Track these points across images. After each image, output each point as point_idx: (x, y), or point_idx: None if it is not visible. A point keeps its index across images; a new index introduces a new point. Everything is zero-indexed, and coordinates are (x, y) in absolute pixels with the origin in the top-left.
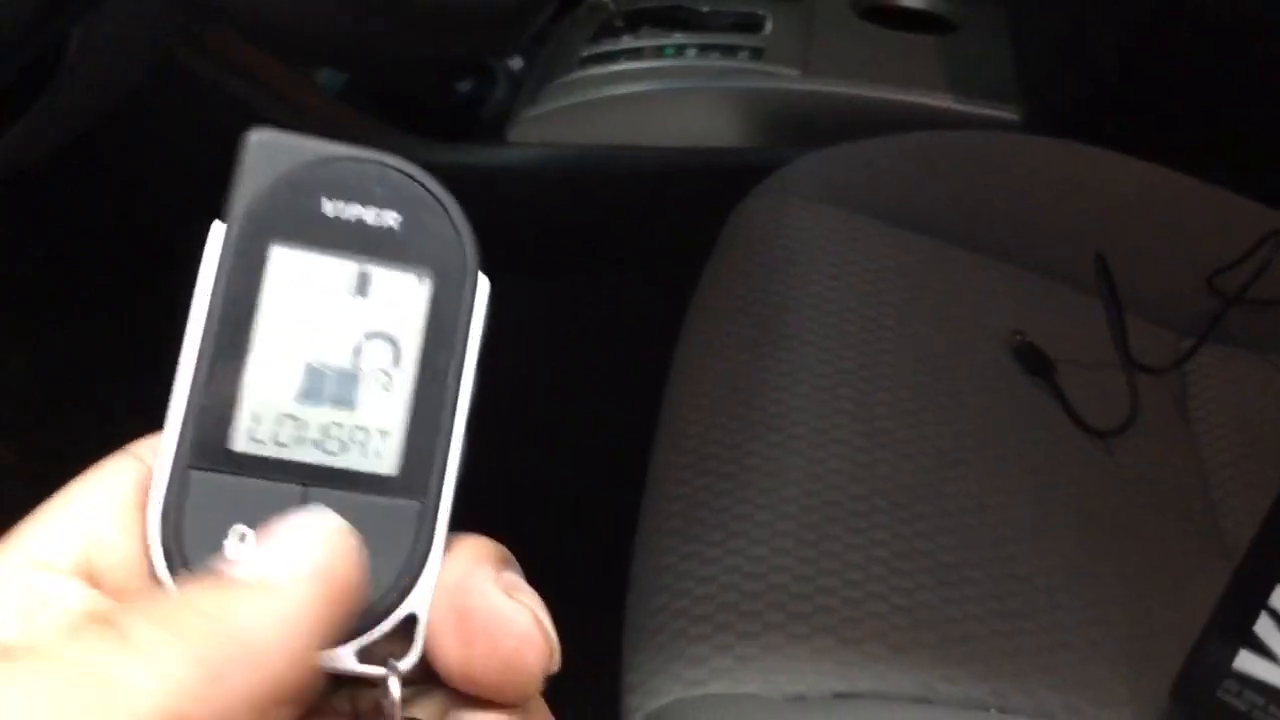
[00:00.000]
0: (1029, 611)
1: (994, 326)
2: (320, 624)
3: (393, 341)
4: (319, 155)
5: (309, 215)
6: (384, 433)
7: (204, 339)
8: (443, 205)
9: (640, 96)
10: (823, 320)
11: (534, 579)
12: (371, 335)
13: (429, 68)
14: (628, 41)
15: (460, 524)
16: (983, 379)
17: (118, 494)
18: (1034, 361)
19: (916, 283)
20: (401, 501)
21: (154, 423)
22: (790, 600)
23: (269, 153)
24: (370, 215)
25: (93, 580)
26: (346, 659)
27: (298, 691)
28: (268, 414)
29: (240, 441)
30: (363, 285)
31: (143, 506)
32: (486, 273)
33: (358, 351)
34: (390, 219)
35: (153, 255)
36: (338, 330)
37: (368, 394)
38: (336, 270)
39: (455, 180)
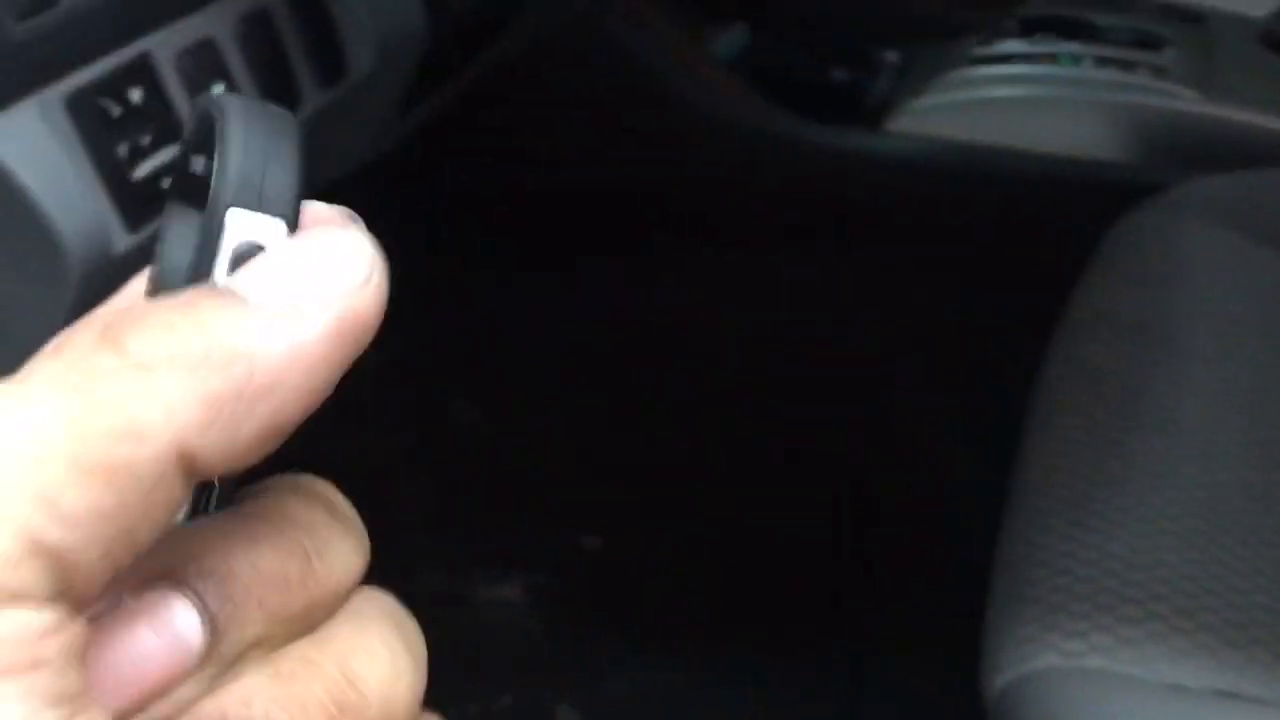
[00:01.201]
0: None
1: None
2: (335, 361)
3: None
4: None
5: None
6: None
7: None
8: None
9: (1029, 101)
10: (1215, 338)
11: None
12: None
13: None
14: (1021, 46)
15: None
16: None
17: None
18: None
19: None
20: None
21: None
22: (1173, 594)
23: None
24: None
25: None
26: None
27: (291, 428)
28: None
29: None
30: None
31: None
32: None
33: None
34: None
35: (563, 211)
36: None
37: None
38: None
39: (829, 163)
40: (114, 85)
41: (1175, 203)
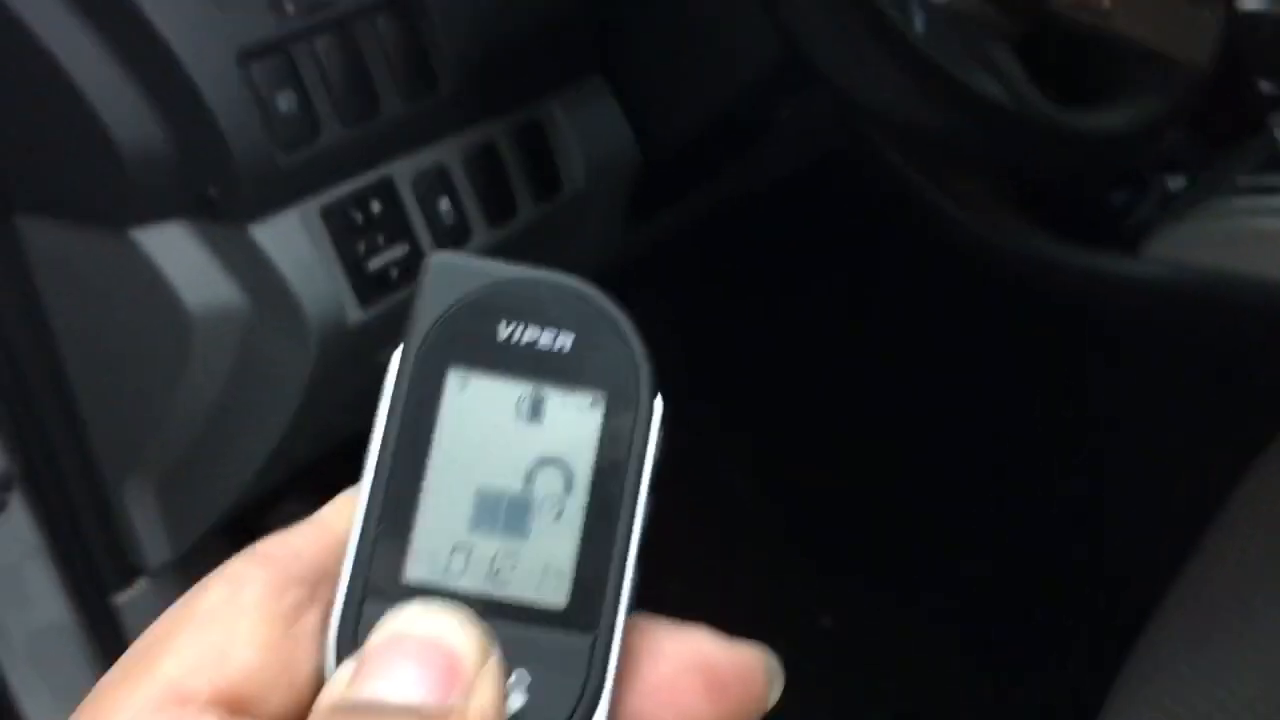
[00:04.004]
0: None
1: None
2: None
3: (565, 467)
4: (496, 278)
5: (485, 339)
6: (555, 563)
7: (380, 467)
8: (616, 324)
9: None
10: None
11: None
12: (544, 461)
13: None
14: None
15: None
16: None
17: (250, 608)
18: None
19: None
20: (572, 635)
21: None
22: None
23: (449, 277)
24: (545, 337)
25: (233, 707)
26: None
27: None
28: (440, 544)
29: (413, 572)
30: (536, 409)
31: (277, 616)
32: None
33: (530, 478)
34: (564, 340)
35: (820, 323)
36: (510, 456)
37: (539, 523)
38: (509, 393)
39: (1084, 284)
40: (360, 199)
41: None
